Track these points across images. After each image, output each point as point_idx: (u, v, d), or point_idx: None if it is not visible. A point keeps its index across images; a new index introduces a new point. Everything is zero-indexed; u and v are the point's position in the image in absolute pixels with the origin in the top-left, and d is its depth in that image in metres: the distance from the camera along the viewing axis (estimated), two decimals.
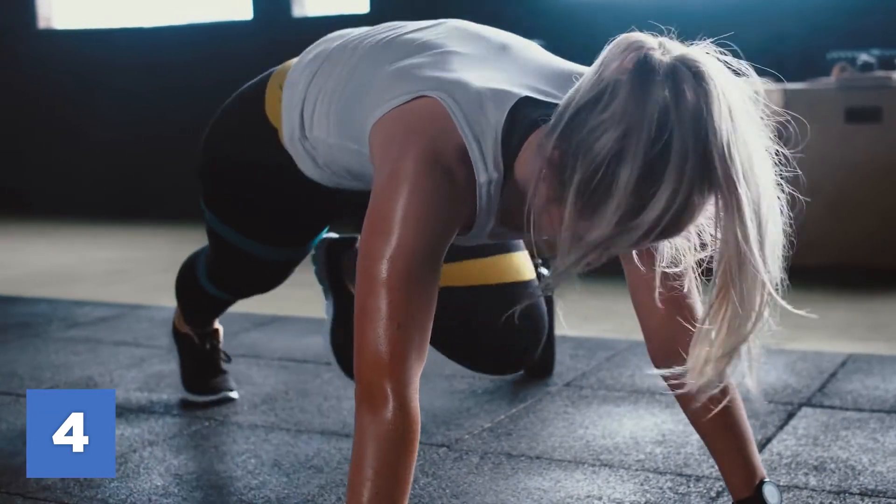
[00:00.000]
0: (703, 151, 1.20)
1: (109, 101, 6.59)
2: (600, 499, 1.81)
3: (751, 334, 1.26)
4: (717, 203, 1.24)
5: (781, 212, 1.28)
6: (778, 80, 4.42)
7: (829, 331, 3.06)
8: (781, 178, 1.29)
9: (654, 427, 2.15)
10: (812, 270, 3.86)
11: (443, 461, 2.01)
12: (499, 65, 1.49)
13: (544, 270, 2.58)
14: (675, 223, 1.24)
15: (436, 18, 1.64)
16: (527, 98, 1.42)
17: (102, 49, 6.62)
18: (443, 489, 1.87)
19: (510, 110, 1.40)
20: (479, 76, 1.44)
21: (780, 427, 2.14)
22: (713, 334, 1.29)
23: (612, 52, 1.27)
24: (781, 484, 1.84)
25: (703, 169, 1.21)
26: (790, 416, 2.21)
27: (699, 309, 1.52)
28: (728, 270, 1.26)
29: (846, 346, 2.87)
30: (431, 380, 2.56)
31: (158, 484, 1.92)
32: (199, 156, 1.95)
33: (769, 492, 1.56)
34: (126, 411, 2.35)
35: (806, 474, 1.89)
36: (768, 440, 2.07)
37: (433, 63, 1.48)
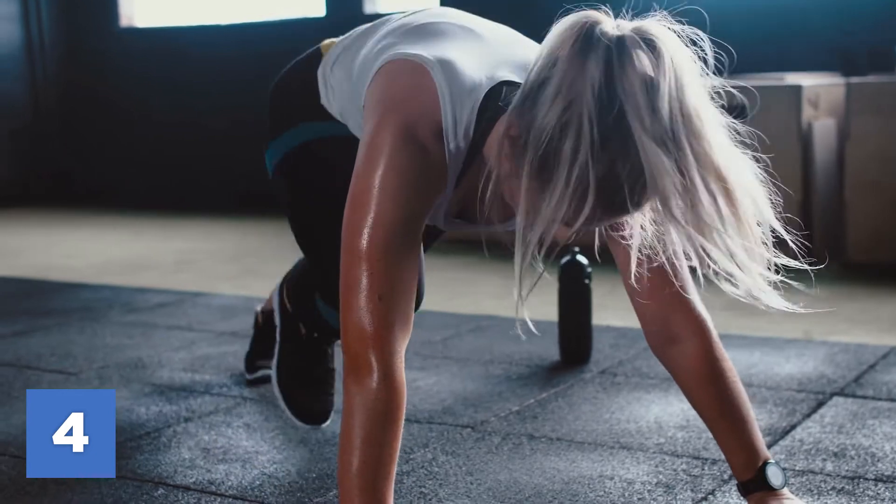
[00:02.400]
0: (654, 121, 1.21)
1: (187, 97, 6.74)
2: (612, 478, 1.82)
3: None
4: (677, 171, 1.25)
5: (749, 172, 1.29)
6: (844, 74, 4.36)
7: (879, 324, 3.02)
8: (740, 146, 1.30)
9: (679, 413, 2.16)
10: (870, 265, 3.82)
11: (465, 441, 2.04)
12: (488, 50, 1.53)
13: (581, 258, 2.60)
14: (633, 194, 1.25)
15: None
16: (508, 81, 1.45)
17: (180, 46, 6.77)
18: (459, 466, 1.90)
19: (490, 89, 1.44)
20: (469, 57, 1.48)
21: (808, 415, 2.13)
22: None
23: (559, 28, 1.28)
24: (797, 469, 1.84)
25: (654, 138, 1.22)
26: (820, 404, 2.20)
27: (690, 290, 1.53)
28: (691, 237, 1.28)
29: (894, 339, 2.83)
30: (468, 365, 2.60)
31: (186, 457, 1.98)
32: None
33: (772, 473, 1.56)
34: (168, 390, 2.43)
35: (824, 460, 1.88)
36: (792, 427, 2.06)
37: (437, 35, 1.53)
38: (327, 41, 1.81)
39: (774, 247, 1.33)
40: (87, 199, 6.93)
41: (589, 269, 2.58)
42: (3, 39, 6.93)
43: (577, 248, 2.58)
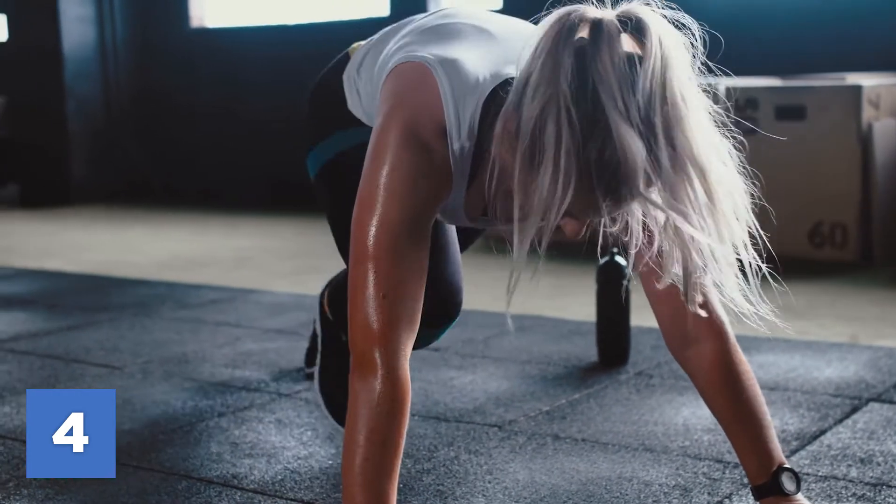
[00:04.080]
0: (629, 103, 1.21)
1: (256, 97, 6.83)
2: (630, 480, 1.82)
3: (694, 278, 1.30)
4: (652, 155, 1.24)
5: (728, 163, 1.28)
6: None
7: None
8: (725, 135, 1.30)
9: (709, 416, 2.14)
10: None
11: (490, 440, 2.05)
12: (497, 47, 1.53)
13: (620, 259, 2.59)
14: (615, 180, 1.24)
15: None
16: (513, 78, 1.45)
17: (249, 46, 6.86)
18: (480, 465, 1.91)
19: (495, 87, 1.44)
20: (479, 53, 1.49)
21: (840, 420, 2.11)
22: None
23: (545, 21, 1.29)
24: (820, 474, 1.82)
25: (627, 121, 1.21)
26: (854, 409, 2.17)
27: (708, 291, 1.52)
28: (668, 226, 1.28)
29: None
30: (505, 364, 2.60)
31: (214, 451, 2.02)
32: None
33: (786, 478, 1.54)
34: (207, 385, 2.48)
35: (849, 466, 1.86)
36: (822, 432, 2.04)
37: (446, 36, 1.54)
38: (355, 44, 1.84)
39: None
40: (157, 197, 7.06)
41: (628, 271, 2.57)
42: (80, 42, 7.08)
43: (615, 249, 2.57)
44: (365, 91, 1.70)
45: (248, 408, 2.30)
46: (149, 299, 3.57)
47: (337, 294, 2.16)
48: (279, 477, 1.88)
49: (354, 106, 1.75)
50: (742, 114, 3.34)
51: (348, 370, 2.11)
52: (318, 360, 2.22)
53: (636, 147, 1.21)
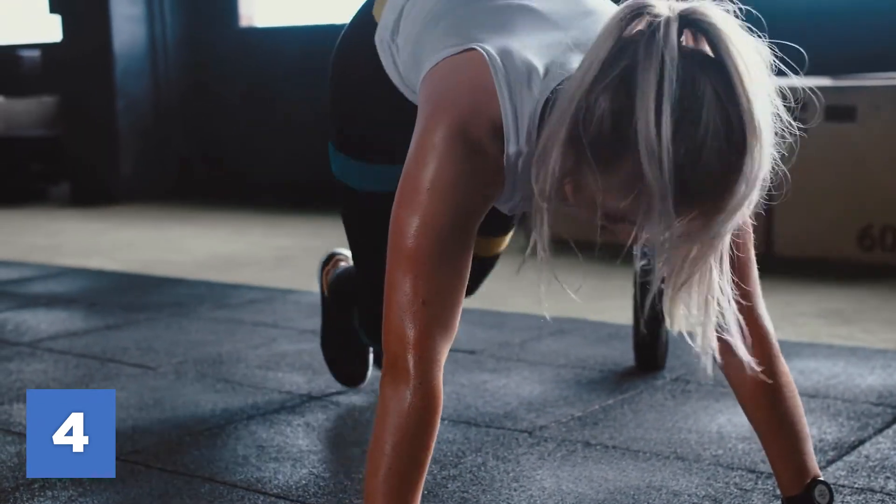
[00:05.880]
0: (698, 119, 1.16)
1: (304, 96, 6.83)
2: (659, 490, 1.78)
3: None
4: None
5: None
6: None
7: None
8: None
9: (744, 424, 2.07)
10: None
11: (519, 446, 2.01)
12: (571, 31, 1.43)
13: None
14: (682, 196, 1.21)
15: None
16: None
17: (298, 45, 6.87)
18: (507, 472, 1.88)
19: (558, 84, 1.35)
20: (540, 41, 1.40)
21: (880, 430, 2.05)
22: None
23: (616, 14, 1.23)
24: (856, 486, 1.77)
25: (697, 140, 1.17)
26: None
27: (754, 298, 1.48)
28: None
29: None
30: (540, 368, 2.57)
31: (240, 453, 2.00)
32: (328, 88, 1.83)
33: (820, 492, 1.50)
34: (239, 386, 2.47)
35: (887, 478, 1.80)
36: (861, 442, 1.98)
37: (501, 17, 1.44)
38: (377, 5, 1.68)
39: None
40: (202, 195, 7.09)
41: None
42: (130, 41, 7.12)
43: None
44: (404, 65, 1.57)
45: (277, 410, 2.28)
46: (187, 299, 3.57)
47: (339, 292, 2.30)
48: (303, 482, 1.86)
49: (391, 71, 1.61)
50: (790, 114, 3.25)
51: (347, 339, 2.34)
52: (321, 329, 2.41)
53: (712, 162, 1.17)
